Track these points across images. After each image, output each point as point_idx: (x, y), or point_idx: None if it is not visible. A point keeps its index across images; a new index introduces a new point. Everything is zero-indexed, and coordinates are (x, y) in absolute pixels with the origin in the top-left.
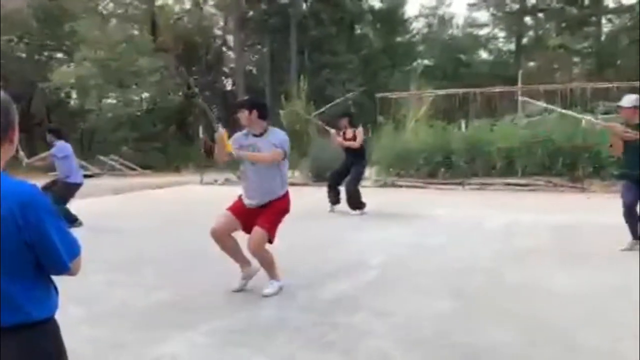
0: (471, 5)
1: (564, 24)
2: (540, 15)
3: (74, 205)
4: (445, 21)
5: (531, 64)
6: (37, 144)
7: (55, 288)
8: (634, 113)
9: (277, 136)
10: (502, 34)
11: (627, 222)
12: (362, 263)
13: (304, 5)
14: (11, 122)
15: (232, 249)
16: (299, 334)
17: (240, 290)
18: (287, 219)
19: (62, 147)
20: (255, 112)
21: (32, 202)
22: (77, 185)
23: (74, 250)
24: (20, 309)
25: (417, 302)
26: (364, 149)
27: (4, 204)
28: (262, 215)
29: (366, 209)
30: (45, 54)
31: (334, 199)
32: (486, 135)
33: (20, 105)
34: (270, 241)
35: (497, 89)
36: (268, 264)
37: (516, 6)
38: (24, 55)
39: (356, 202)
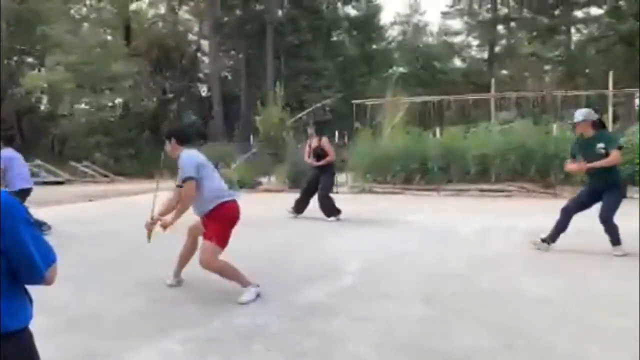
0: (445, 14)
1: (535, 33)
2: (512, 24)
3: (46, 212)
4: (419, 29)
5: (504, 72)
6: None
7: (30, 298)
8: (587, 126)
9: (181, 159)
10: (475, 42)
11: (560, 224)
12: (338, 269)
13: (280, 12)
14: None
15: (187, 248)
16: (275, 341)
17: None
18: (261, 224)
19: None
20: (173, 141)
21: (7, 210)
22: (24, 192)
23: (49, 258)
24: None
25: (393, 307)
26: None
27: None
28: (206, 227)
29: (342, 215)
30: (15, 58)
31: (301, 208)
32: (460, 141)
33: None
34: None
35: (471, 96)
36: (229, 276)
37: (489, 15)
38: None
39: (330, 209)
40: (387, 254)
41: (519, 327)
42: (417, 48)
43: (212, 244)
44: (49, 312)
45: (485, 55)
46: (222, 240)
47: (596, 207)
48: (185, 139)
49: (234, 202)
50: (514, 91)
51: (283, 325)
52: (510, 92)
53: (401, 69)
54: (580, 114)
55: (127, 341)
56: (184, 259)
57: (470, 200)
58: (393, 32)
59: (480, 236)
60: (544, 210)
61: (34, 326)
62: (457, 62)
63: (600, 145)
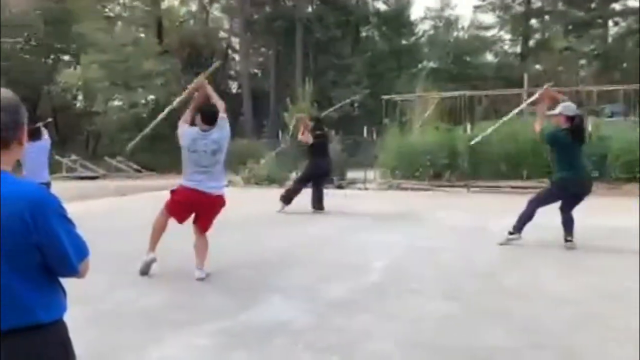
0: (477, 8)
1: (570, 26)
2: (547, 17)
3: (80, 206)
4: (450, 23)
5: (537, 66)
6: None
7: (64, 290)
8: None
9: None
10: (508, 37)
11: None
12: (364, 265)
13: (310, 8)
14: (20, 123)
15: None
16: (299, 337)
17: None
18: (288, 220)
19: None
20: None
21: (41, 204)
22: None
23: (82, 252)
24: (29, 311)
25: (417, 304)
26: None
27: (13, 205)
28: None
29: (366, 211)
30: (52, 56)
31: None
32: (491, 138)
33: (27, 107)
34: None
35: (503, 91)
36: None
37: (522, 9)
38: (31, 57)
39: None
40: (413, 251)
41: (544, 327)
42: (447, 43)
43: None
44: (79, 304)
45: (518, 49)
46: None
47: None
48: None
49: None
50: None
51: (308, 321)
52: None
53: (431, 64)
54: (559, 108)
55: (154, 334)
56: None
57: (500, 198)
58: (423, 27)
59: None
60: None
61: (66, 318)
62: (489, 57)
63: None
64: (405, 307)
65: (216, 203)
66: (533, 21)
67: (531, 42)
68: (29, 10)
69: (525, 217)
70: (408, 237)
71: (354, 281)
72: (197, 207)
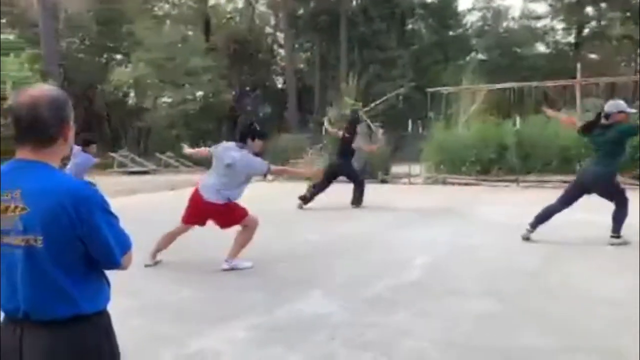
0: None
1: (628, 13)
2: (603, 5)
3: (130, 200)
4: (500, 14)
5: (592, 56)
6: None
7: (108, 282)
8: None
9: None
10: (560, 26)
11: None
12: (405, 262)
13: (354, 2)
14: (65, 119)
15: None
16: (337, 332)
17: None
18: (331, 215)
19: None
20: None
21: (85, 198)
22: None
23: (125, 245)
24: (73, 301)
25: (457, 303)
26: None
27: (58, 199)
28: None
29: (402, 206)
30: (105, 55)
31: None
32: (542, 130)
33: (82, 105)
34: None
35: (554, 83)
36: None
37: None
38: (85, 57)
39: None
40: (456, 248)
41: (586, 328)
42: (497, 34)
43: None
44: (123, 295)
45: (571, 39)
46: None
47: None
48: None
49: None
50: (603, 77)
51: (346, 317)
52: (598, 77)
53: (479, 56)
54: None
55: (194, 326)
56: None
57: (550, 193)
58: (471, 18)
59: (556, 231)
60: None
61: (110, 308)
62: (541, 48)
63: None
64: (444, 305)
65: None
66: (588, 9)
67: (586, 31)
68: (82, 12)
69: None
70: (451, 234)
71: (394, 278)
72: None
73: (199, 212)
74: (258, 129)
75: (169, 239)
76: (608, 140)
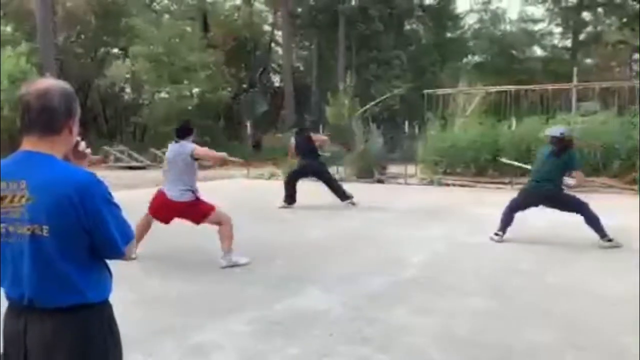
0: (526, 0)
1: (625, 19)
2: (600, 10)
3: (127, 194)
4: (497, 16)
5: (588, 60)
6: (91, 137)
7: (110, 272)
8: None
9: None
10: (558, 30)
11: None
12: (403, 260)
13: (353, 2)
14: (71, 111)
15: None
16: (335, 328)
17: None
18: (329, 213)
19: None
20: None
21: (90, 188)
22: None
23: (128, 235)
24: (77, 290)
25: (456, 300)
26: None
27: (63, 190)
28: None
29: (411, 206)
30: (101, 49)
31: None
32: (537, 133)
33: (78, 98)
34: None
35: (550, 86)
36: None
37: (573, 1)
38: (82, 50)
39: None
40: (453, 247)
41: (589, 327)
42: (494, 36)
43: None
44: (124, 288)
45: (568, 43)
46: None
47: None
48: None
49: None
50: (599, 81)
51: (344, 313)
52: (594, 82)
53: (476, 58)
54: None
55: (194, 320)
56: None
57: None
58: (469, 20)
59: (553, 232)
60: (622, 207)
61: (113, 301)
62: (537, 51)
63: None
64: (443, 302)
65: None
66: (585, 14)
67: (582, 36)
68: (80, 5)
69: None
70: (448, 233)
71: (392, 275)
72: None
73: (166, 210)
74: (191, 127)
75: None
76: (560, 163)
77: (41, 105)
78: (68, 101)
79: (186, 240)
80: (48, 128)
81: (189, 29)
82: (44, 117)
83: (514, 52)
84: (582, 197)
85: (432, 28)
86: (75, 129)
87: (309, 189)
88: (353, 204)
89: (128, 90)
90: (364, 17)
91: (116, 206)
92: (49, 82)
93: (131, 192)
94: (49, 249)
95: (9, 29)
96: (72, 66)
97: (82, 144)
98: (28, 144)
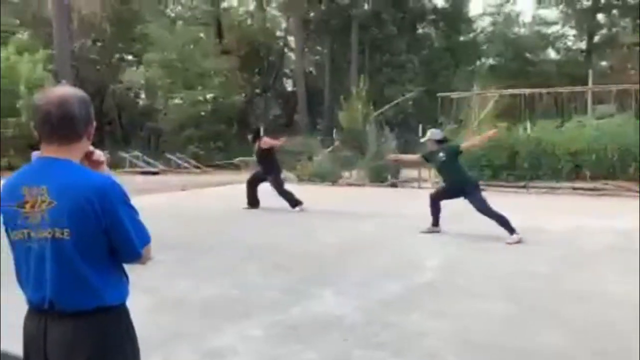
0: (539, 3)
1: (639, 21)
2: (615, 12)
3: (142, 200)
4: (511, 19)
5: (603, 63)
6: (106, 143)
7: (127, 276)
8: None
9: None
10: (572, 32)
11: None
12: (418, 264)
13: (365, 6)
14: (89, 118)
15: None
16: (351, 332)
17: None
18: (344, 217)
19: None
20: None
21: (109, 192)
22: None
23: (145, 238)
24: (96, 293)
25: (472, 304)
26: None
27: (83, 193)
28: None
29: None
30: (117, 56)
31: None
32: (552, 136)
33: (93, 104)
34: None
35: (565, 89)
36: None
37: (588, 3)
38: (97, 57)
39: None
40: (468, 251)
41: (608, 331)
42: (507, 39)
43: None
44: (141, 291)
45: (583, 45)
46: None
47: None
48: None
49: None
50: (614, 84)
51: (360, 317)
52: (609, 84)
53: (490, 61)
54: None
55: (211, 324)
56: None
57: (561, 199)
58: (482, 23)
59: (569, 236)
60: (636, 210)
61: (130, 304)
62: (551, 54)
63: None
64: (459, 306)
65: None
66: (600, 16)
67: (597, 38)
68: (97, 12)
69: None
70: (463, 237)
71: (407, 279)
72: None
73: None
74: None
75: None
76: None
77: (62, 114)
78: (86, 108)
79: (203, 242)
80: (69, 135)
81: (202, 35)
82: (65, 126)
83: (527, 55)
84: (599, 200)
85: (444, 31)
86: (91, 134)
87: (322, 193)
88: (301, 209)
89: (143, 96)
90: (376, 21)
91: (134, 209)
92: (67, 90)
93: (148, 197)
94: (69, 252)
95: (26, 36)
96: (88, 72)
97: (97, 152)
98: (48, 151)
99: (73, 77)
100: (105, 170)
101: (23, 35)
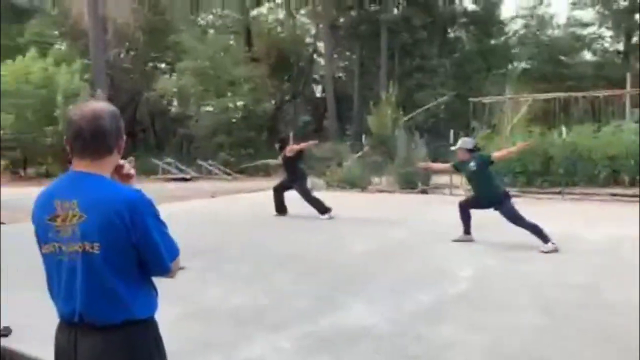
0: (574, 4)
1: None
2: None
3: (173, 207)
4: (544, 21)
5: None
6: (139, 149)
7: (156, 289)
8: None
9: None
10: (609, 33)
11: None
12: (450, 274)
13: (395, 11)
14: (120, 132)
15: None
16: (382, 344)
17: None
18: (375, 224)
19: None
20: None
21: (139, 206)
22: None
23: (173, 251)
24: (125, 307)
25: (506, 317)
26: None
27: (113, 207)
28: None
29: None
30: (150, 64)
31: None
32: (589, 141)
33: (128, 112)
34: None
35: (602, 92)
36: None
37: (625, 3)
38: (131, 66)
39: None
40: (501, 260)
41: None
42: (541, 41)
43: None
44: (170, 302)
45: (620, 47)
46: None
47: None
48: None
49: None
50: None
51: (391, 329)
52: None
53: (523, 65)
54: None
55: (241, 334)
56: None
57: (598, 206)
58: (514, 26)
59: (608, 245)
60: None
61: (158, 315)
62: (587, 56)
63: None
64: (492, 319)
65: None
66: (637, 16)
67: (635, 39)
68: (130, 22)
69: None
70: (495, 246)
71: (438, 289)
72: None
73: None
74: None
75: None
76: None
77: (94, 129)
78: (117, 122)
79: (233, 250)
80: (100, 150)
81: (233, 43)
82: (97, 141)
83: (562, 57)
84: (634, 206)
85: (475, 35)
86: (122, 148)
87: (346, 199)
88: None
89: (175, 103)
90: (406, 25)
91: (163, 223)
92: (98, 106)
93: (180, 203)
94: (99, 266)
95: (64, 47)
96: (122, 81)
97: (127, 166)
98: (79, 165)
99: (108, 86)
100: (135, 183)
101: (62, 46)
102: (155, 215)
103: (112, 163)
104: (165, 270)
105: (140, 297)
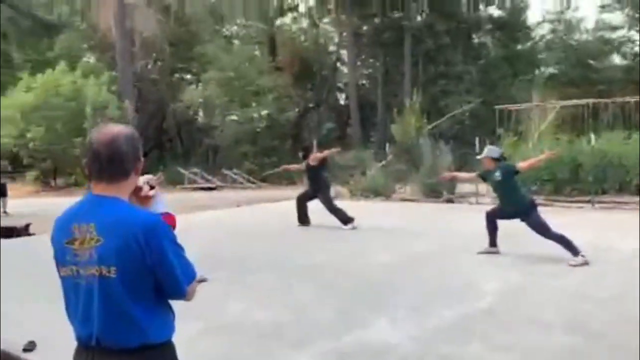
0: (603, 7)
1: None
2: None
3: (198, 216)
4: (572, 26)
5: None
6: (166, 158)
7: (173, 312)
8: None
9: None
10: (638, 36)
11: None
12: (475, 288)
13: (419, 18)
14: (138, 156)
15: None
16: None
17: None
18: (399, 235)
19: None
20: None
21: (155, 229)
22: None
23: (190, 275)
24: (141, 331)
25: (534, 334)
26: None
27: (131, 231)
28: None
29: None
30: (176, 75)
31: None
32: (619, 148)
33: (155, 122)
34: None
35: (632, 98)
36: None
37: None
38: (158, 77)
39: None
40: (529, 273)
41: None
42: (569, 46)
43: None
44: (193, 316)
45: None
46: None
47: None
48: None
49: None
50: None
51: (415, 347)
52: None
53: (550, 70)
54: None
55: (264, 351)
56: None
57: (630, 215)
58: (541, 31)
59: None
60: None
61: (178, 330)
62: (616, 60)
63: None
64: (521, 337)
65: None
66: None
67: None
68: (156, 34)
69: None
70: (522, 258)
71: (464, 305)
72: None
73: None
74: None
75: None
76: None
77: (110, 154)
78: (135, 146)
79: (258, 262)
80: (117, 174)
81: (257, 52)
82: (114, 165)
83: (590, 61)
84: None
85: (501, 40)
86: (140, 170)
87: (370, 208)
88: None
89: (201, 113)
90: (430, 32)
91: (180, 246)
92: (115, 129)
93: (206, 213)
94: (116, 290)
95: (92, 60)
96: (149, 92)
97: (145, 188)
98: (97, 189)
99: (135, 97)
100: (154, 205)
101: (90, 59)
102: (172, 238)
103: (129, 186)
104: (181, 294)
105: (157, 321)
